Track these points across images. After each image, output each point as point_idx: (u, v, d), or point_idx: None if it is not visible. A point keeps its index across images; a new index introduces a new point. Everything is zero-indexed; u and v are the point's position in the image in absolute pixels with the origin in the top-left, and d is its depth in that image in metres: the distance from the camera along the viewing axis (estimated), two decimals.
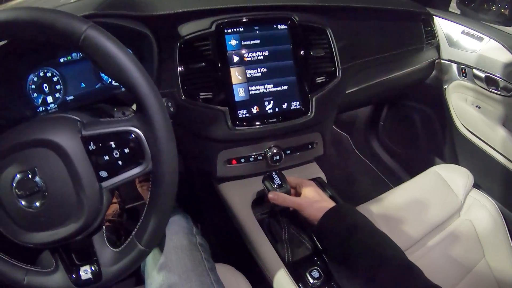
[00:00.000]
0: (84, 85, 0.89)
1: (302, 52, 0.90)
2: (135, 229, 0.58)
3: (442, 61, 1.27)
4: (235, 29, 0.85)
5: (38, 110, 0.86)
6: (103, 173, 0.53)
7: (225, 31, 0.84)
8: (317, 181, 1.01)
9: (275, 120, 0.88)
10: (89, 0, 0.91)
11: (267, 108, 0.88)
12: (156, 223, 0.56)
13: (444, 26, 1.24)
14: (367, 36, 1.06)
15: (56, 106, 0.87)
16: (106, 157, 0.53)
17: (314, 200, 0.78)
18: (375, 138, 1.68)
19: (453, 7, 1.31)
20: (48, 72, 0.85)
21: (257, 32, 0.87)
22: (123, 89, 0.87)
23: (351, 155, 1.72)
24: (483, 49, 1.15)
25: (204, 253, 0.78)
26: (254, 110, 0.87)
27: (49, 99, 0.87)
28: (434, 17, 1.25)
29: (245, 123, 0.86)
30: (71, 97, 0.88)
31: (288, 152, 0.97)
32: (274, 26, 0.88)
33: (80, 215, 0.53)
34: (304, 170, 1.04)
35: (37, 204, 0.52)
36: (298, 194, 0.83)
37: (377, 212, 0.99)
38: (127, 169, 0.54)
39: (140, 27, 0.79)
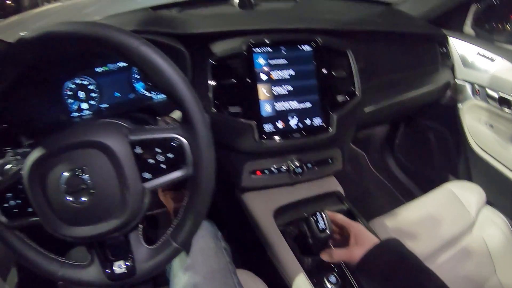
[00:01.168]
0: (118, 94, 0.95)
1: (324, 72, 0.95)
2: (171, 229, 0.62)
3: (456, 81, 1.31)
4: (263, 49, 0.91)
5: (72, 115, 0.92)
6: (147, 175, 0.58)
7: (254, 50, 0.90)
8: (335, 194, 1.06)
9: (298, 135, 0.94)
10: (130, 17, 0.98)
11: (291, 124, 0.93)
12: (192, 223, 0.61)
13: (459, 47, 1.29)
14: (385, 58, 1.12)
15: (90, 113, 0.93)
16: (151, 160, 0.58)
17: (366, 247, 0.73)
18: (390, 155, 1.72)
19: (468, 28, 1.35)
20: (85, 80, 0.91)
21: (283, 52, 0.93)
22: (155, 100, 0.94)
23: (367, 171, 1.76)
24: (496, 69, 1.19)
25: (228, 257, 0.82)
26: (280, 125, 0.93)
27: (84, 106, 0.93)
28: (449, 38, 1.29)
29: (270, 137, 0.92)
30: (106, 105, 0.94)
31: (309, 165, 1.02)
32: (299, 47, 0.94)
33: (123, 212, 0.58)
34: (323, 183, 1.09)
35: (83, 199, 0.56)
36: (342, 234, 0.82)
37: (391, 226, 1.03)
38: (169, 172, 0.59)
39: (177, 43, 0.86)
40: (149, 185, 0.58)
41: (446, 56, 1.28)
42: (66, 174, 0.56)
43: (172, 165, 0.59)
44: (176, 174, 0.59)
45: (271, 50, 0.92)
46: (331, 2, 1.28)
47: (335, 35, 0.99)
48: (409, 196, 1.56)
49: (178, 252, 0.63)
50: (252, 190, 1.04)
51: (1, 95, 0.58)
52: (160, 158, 0.58)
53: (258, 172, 0.99)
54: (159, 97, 0.94)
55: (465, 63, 1.28)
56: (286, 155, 0.99)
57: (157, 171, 0.58)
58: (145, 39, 0.55)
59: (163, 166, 0.58)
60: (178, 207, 1.19)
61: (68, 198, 0.56)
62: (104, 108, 0.94)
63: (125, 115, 0.73)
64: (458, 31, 1.32)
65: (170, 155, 0.58)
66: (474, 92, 1.27)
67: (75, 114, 0.92)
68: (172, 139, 0.58)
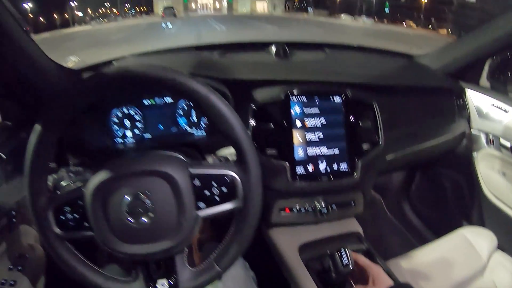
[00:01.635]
0: (162, 127, 1.04)
1: (352, 122, 1.05)
2: (215, 253, 0.71)
3: (472, 131, 1.39)
4: (299, 99, 1.01)
5: (116, 141, 1.02)
6: (201, 204, 0.67)
7: (292, 99, 1.00)
8: (355, 235, 1.14)
9: (326, 178, 1.03)
10: (182, 57, 1.09)
11: (320, 168, 1.02)
12: (236, 250, 0.69)
13: (474, 99, 1.37)
14: (406, 109, 1.21)
15: (133, 141, 1.03)
16: (206, 192, 0.67)
17: None
18: (406, 200, 1.77)
19: (484, 80, 1.43)
20: (132, 110, 1.01)
21: (317, 102, 1.03)
22: (195, 136, 1.04)
23: (382, 214, 1.82)
24: (509, 120, 1.26)
25: (256, 286, 0.91)
26: (310, 168, 1.02)
27: (129, 133, 1.02)
28: (466, 90, 1.38)
29: (301, 179, 1.01)
30: (149, 136, 1.03)
31: (333, 207, 1.10)
32: (331, 99, 1.04)
33: (176, 235, 0.66)
34: (345, 224, 1.16)
35: (142, 221, 0.64)
36: (362, 274, 0.87)
37: (405, 267, 1.09)
38: (222, 203, 0.68)
39: (221, 87, 0.97)
40: (202, 213, 0.67)
41: (463, 107, 1.36)
42: (129, 197, 0.64)
43: (224, 198, 0.68)
44: (227, 206, 0.68)
45: (306, 100, 1.02)
46: (357, 54, 1.39)
47: (363, 88, 1.09)
48: (423, 240, 1.61)
49: (219, 276, 0.70)
50: (279, 226, 1.12)
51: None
52: (215, 190, 0.67)
53: (287, 210, 1.08)
54: (199, 133, 1.04)
55: (480, 113, 1.36)
56: (314, 196, 1.08)
57: (210, 202, 0.68)
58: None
59: (217, 198, 0.68)
60: (201, 238, 1.28)
61: (128, 218, 0.64)
62: (147, 138, 1.03)
63: (175, 148, 0.80)
64: (474, 83, 1.41)
65: (223, 189, 0.68)
66: (488, 141, 1.35)
67: (119, 140, 1.01)
68: (227, 175, 0.67)
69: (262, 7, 58.86)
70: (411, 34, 23.95)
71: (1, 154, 0.84)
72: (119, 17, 46.92)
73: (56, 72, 0.97)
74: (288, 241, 1.08)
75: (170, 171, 0.65)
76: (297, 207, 1.08)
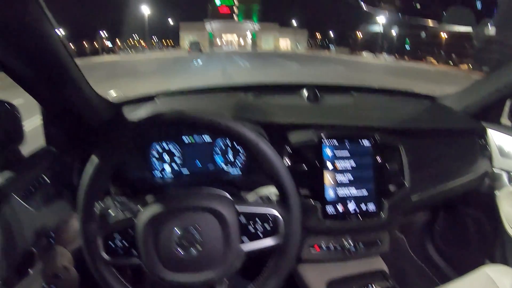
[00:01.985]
0: (199, 164, 1.12)
1: (379, 164, 1.11)
2: (252, 284, 0.77)
3: (494, 170, 1.41)
4: (331, 142, 1.08)
5: (155, 174, 1.09)
6: (245, 239, 0.75)
7: (324, 143, 1.08)
8: (381, 272, 1.19)
9: (355, 218, 1.09)
10: (219, 99, 1.19)
11: (349, 208, 1.09)
12: (274, 284, 0.76)
13: (496, 138, 1.40)
14: (430, 151, 1.26)
15: (171, 175, 1.10)
16: (251, 228, 0.75)
17: None
18: (429, 240, 1.78)
19: (505, 119, 1.46)
20: (172, 146, 1.09)
21: (347, 146, 1.10)
22: (231, 174, 1.11)
23: (405, 253, 1.83)
24: None
25: None
26: (340, 208, 1.08)
27: (167, 167, 1.09)
28: (487, 130, 1.41)
29: (331, 218, 1.07)
30: (187, 172, 1.11)
31: (361, 245, 1.15)
32: (360, 142, 1.11)
33: (220, 267, 0.73)
34: (371, 262, 1.21)
35: (191, 252, 0.71)
36: None
37: None
38: (264, 239, 0.75)
39: (259, 129, 1.05)
40: (246, 247, 0.75)
41: (485, 146, 1.40)
42: (179, 230, 0.72)
43: (267, 234, 0.75)
44: (269, 242, 0.75)
45: (337, 143, 1.09)
46: (383, 98, 1.46)
47: (389, 131, 1.16)
48: (446, 278, 1.59)
49: None
50: (308, 262, 1.17)
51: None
52: (258, 227, 0.75)
53: (316, 247, 1.13)
54: (234, 172, 1.12)
55: (502, 152, 1.39)
56: (342, 234, 1.13)
57: (254, 237, 0.75)
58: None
59: (260, 234, 0.75)
60: None
61: (177, 249, 0.71)
62: (185, 174, 1.11)
63: (213, 185, 0.86)
64: (495, 121, 1.44)
65: (266, 226, 0.75)
66: (510, 179, 1.37)
67: (158, 173, 1.09)
68: (271, 213, 0.76)
69: (285, 44, 60.27)
70: (433, 71, 24.17)
71: (45, 178, 0.91)
72: (146, 50, 48.50)
73: (100, 104, 1.05)
74: (316, 277, 1.13)
75: (220, 208, 0.73)
76: (326, 245, 1.13)
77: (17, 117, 0.88)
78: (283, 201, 0.76)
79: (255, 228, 0.75)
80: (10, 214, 0.78)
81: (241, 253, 0.74)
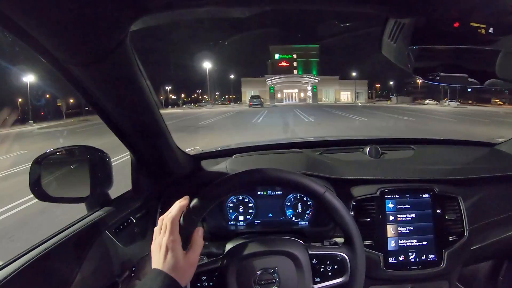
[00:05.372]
0: (271, 215, 1.24)
1: (438, 215, 1.17)
2: None
3: None
4: (393, 196, 1.18)
5: (230, 224, 1.22)
6: (317, 279, 0.86)
7: (386, 196, 1.17)
8: None
9: (415, 267, 1.15)
10: (290, 157, 1.32)
11: (410, 258, 1.15)
12: None
13: None
14: (490, 198, 1.28)
15: (244, 224, 1.22)
16: (321, 269, 0.86)
17: None
18: None
19: None
20: (246, 198, 1.22)
21: (408, 199, 1.18)
22: (299, 225, 1.22)
23: None
24: None
25: None
26: (401, 258, 1.15)
27: (241, 218, 1.22)
28: None
29: (393, 268, 1.14)
30: (259, 222, 1.23)
31: None
32: (420, 195, 1.19)
33: None
34: None
35: None
36: None
37: None
38: (333, 279, 0.86)
39: (327, 184, 1.17)
40: (317, 286, 0.86)
41: None
42: (259, 271, 0.85)
43: (335, 274, 0.87)
44: (337, 280, 0.86)
45: (398, 197, 1.18)
46: (443, 148, 1.52)
47: (448, 182, 1.23)
48: None
49: None
50: None
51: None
52: (328, 267, 0.87)
53: None
54: (302, 223, 1.23)
55: None
56: (402, 283, 1.18)
57: (324, 277, 0.87)
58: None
59: (329, 273, 0.87)
60: None
61: (258, 287, 0.83)
62: (256, 223, 1.23)
63: (285, 234, 1.00)
64: None
65: (335, 266, 0.87)
66: None
67: (232, 223, 1.22)
68: (339, 255, 0.87)
69: (345, 96, 60.28)
70: (502, 113, 23.05)
71: (132, 218, 1.05)
72: (209, 103, 51.16)
73: (181, 156, 1.18)
74: None
75: (295, 251, 0.86)
76: None
77: (109, 164, 1.01)
78: (348, 244, 0.87)
79: (325, 269, 0.87)
80: (102, 248, 0.89)
81: None
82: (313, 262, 0.87)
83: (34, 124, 25.62)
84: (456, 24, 0.63)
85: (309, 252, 0.87)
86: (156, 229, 0.77)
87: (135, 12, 0.58)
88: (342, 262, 0.86)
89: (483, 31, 0.64)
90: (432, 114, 22.39)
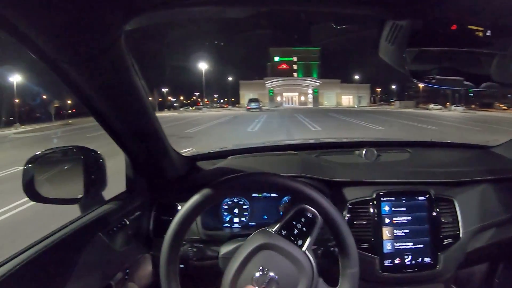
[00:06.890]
0: (266, 217, 1.23)
1: (434, 218, 1.17)
2: None
3: None
4: (389, 198, 1.18)
5: (224, 226, 1.21)
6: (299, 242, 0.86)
7: (381, 199, 1.17)
8: None
9: (411, 270, 1.14)
10: (285, 159, 1.31)
11: (406, 261, 1.15)
12: None
13: None
14: (485, 200, 1.27)
15: (239, 227, 1.22)
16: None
17: None
18: None
19: None
20: (241, 201, 1.22)
21: (403, 201, 1.18)
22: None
23: None
24: None
25: None
26: (397, 261, 1.14)
27: (236, 220, 1.22)
28: None
29: (389, 270, 1.13)
30: (254, 224, 1.22)
31: None
32: (416, 198, 1.19)
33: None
34: None
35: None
36: None
37: None
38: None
39: (322, 187, 1.17)
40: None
41: None
42: (259, 272, 0.82)
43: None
44: None
45: (394, 199, 1.18)
46: (438, 151, 1.51)
47: (444, 185, 1.23)
48: None
49: None
50: None
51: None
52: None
53: None
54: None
55: None
56: (399, 286, 1.18)
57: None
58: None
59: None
60: None
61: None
62: (251, 225, 1.22)
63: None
64: None
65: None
66: None
67: (226, 225, 1.21)
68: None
69: (347, 100, 59.89)
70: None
71: (126, 220, 1.04)
72: (206, 106, 51.01)
73: (175, 157, 1.18)
74: None
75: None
76: None
77: (102, 165, 1.01)
78: (341, 249, 0.86)
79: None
80: (96, 250, 0.88)
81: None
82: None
83: (22, 126, 23.68)
84: (454, 27, 0.64)
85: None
86: None
87: (130, 10, 0.58)
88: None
89: (480, 34, 0.65)
90: (445, 120, 21.55)
